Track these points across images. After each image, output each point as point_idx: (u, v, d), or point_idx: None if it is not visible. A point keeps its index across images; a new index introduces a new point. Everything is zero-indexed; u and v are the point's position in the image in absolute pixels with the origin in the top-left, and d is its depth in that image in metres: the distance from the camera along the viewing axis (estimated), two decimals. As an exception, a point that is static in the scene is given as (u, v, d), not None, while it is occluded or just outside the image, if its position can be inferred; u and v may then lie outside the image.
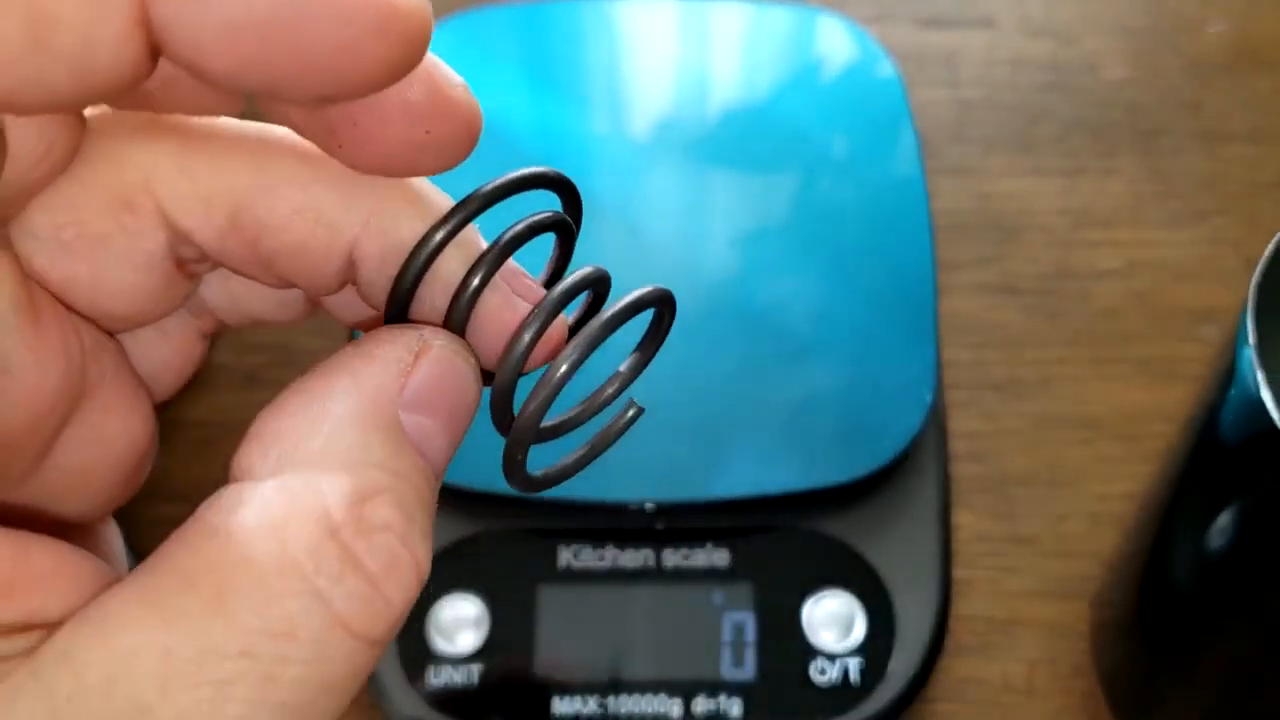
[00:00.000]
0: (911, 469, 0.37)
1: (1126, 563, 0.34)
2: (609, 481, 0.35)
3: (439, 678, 0.34)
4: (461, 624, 0.35)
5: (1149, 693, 0.34)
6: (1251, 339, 0.25)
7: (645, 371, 0.37)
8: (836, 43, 0.43)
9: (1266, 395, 0.24)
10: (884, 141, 0.41)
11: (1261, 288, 0.26)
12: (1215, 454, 0.27)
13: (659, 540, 0.36)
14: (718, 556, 0.35)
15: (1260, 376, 0.24)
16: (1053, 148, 0.48)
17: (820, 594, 0.35)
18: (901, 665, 0.34)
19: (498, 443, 0.36)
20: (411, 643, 0.34)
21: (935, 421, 0.37)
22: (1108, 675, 0.36)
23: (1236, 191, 0.47)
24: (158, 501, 0.41)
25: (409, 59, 0.15)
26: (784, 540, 0.35)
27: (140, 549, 0.42)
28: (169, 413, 0.42)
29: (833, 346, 0.37)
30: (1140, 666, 0.34)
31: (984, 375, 0.43)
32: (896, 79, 0.42)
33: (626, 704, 0.33)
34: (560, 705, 0.33)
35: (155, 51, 0.15)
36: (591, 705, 0.33)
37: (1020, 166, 0.47)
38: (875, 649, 0.34)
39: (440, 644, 0.34)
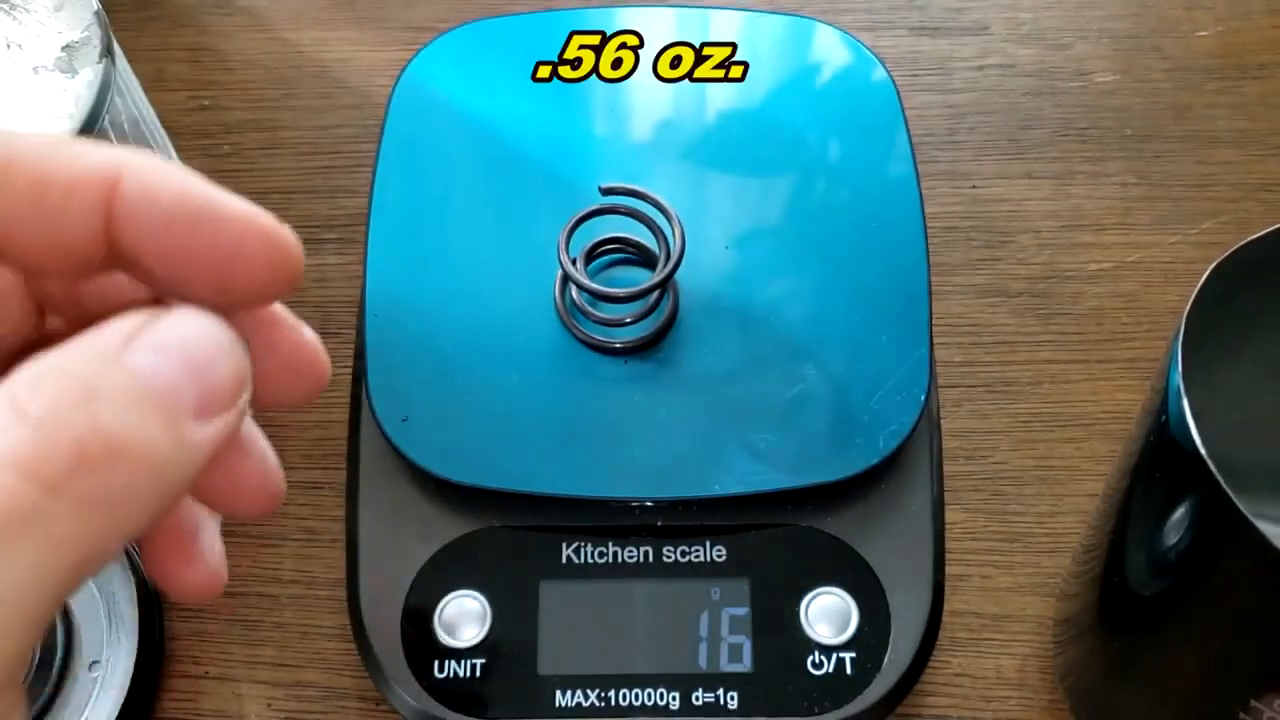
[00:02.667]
0: (906, 467, 0.37)
1: (1088, 554, 0.35)
2: (609, 479, 0.36)
3: (443, 671, 0.34)
4: (465, 619, 0.35)
5: (1103, 689, 0.35)
6: (1179, 375, 0.26)
7: (648, 372, 0.38)
8: (831, 50, 0.44)
9: (1191, 424, 0.26)
10: (878, 146, 0.42)
11: (1190, 318, 0.27)
12: (1157, 457, 0.29)
13: (658, 537, 0.36)
14: (715, 552, 0.36)
15: (1185, 404, 0.26)
16: (1043, 152, 0.48)
17: (816, 589, 0.35)
18: (896, 659, 0.35)
19: (500, 444, 0.38)
20: (417, 637, 0.35)
21: (929, 420, 0.38)
22: (1064, 670, 0.37)
23: (1225, 195, 0.47)
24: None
25: (285, 284, 0.20)
26: (780, 537, 0.36)
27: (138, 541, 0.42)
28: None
29: (829, 347, 0.38)
30: (1097, 660, 0.35)
31: (976, 375, 0.44)
32: (890, 85, 0.43)
33: (626, 696, 0.34)
34: (562, 698, 0.34)
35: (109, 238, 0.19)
36: (593, 698, 0.34)
37: (1011, 170, 0.48)
38: (870, 643, 0.35)
39: (445, 638, 0.35)
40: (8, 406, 0.17)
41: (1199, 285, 0.28)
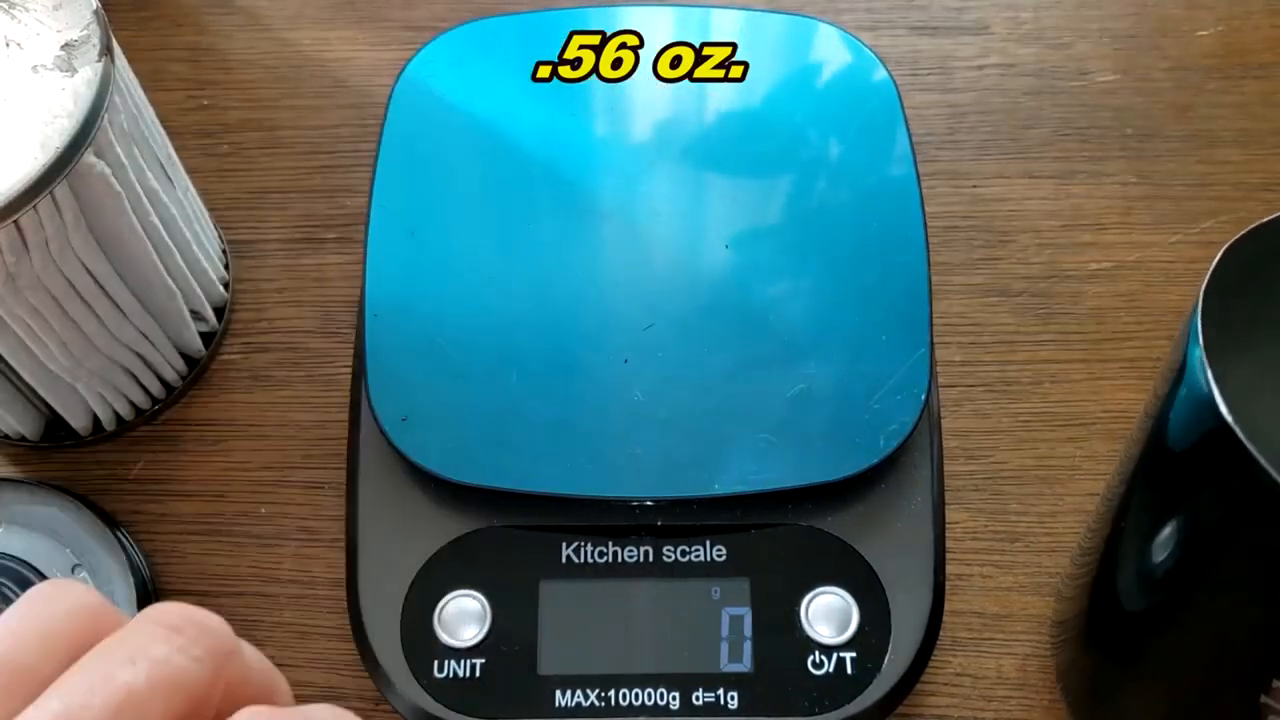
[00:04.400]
0: (906, 467, 0.37)
1: (1085, 557, 0.34)
2: (609, 479, 0.36)
3: (443, 671, 0.34)
4: (465, 618, 0.35)
5: (1100, 691, 0.35)
6: (1201, 340, 0.26)
7: (649, 370, 0.37)
8: (831, 50, 0.44)
9: (1216, 392, 0.25)
10: (878, 146, 0.42)
11: (1209, 292, 0.27)
12: (1164, 454, 0.28)
13: (658, 536, 0.36)
14: (716, 552, 0.36)
15: (1209, 374, 0.25)
16: (1044, 151, 0.48)
17: (816, 589, 0.35)
18: (896, 659, 0.35)
19: (499, 444, 0.37)
20: (417, 637, 0.35)
21: (929, 420, 0.38)
22: (1062, 670, 0.37)
23: (1225, 194, 0.47)
24: (165, 499, 0.42)
25: None
26: (781, 536, 0.36)
27: (149, 546, 0.42)
28: (175, 411, 0.43)
29: (830, 347, 0.38)
30: (1093, 663, 0.35)
31: (977, 375, 0.43)
32: (890, 84, 0.43)
33: (626, 696, 0.34)
34: (562, 697, 0.34)
35: None
36: (593, 698, 0.34)
37: (1012, 170, 0.48)
38: (870, 643, 0.35)
39: (444, 638, 0.35)
40: None
41: (1209, 270, 0.27)
